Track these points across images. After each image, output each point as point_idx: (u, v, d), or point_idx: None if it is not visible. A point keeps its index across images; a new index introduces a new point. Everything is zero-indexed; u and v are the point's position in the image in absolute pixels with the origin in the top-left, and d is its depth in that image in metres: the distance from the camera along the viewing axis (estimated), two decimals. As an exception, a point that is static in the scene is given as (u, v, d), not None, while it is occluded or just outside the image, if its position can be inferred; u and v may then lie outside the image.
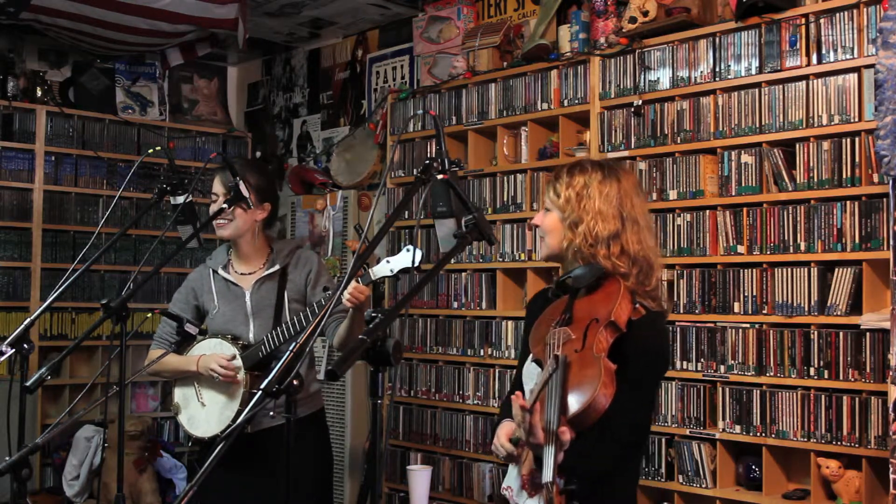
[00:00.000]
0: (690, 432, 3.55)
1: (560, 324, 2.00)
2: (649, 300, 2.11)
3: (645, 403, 2.13)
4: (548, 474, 1.70)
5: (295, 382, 1.75)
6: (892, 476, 2.80)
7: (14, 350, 2.65)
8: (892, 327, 2.86)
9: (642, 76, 3.82)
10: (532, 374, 2.13)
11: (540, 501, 2.01)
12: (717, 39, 3.61)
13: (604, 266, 2.09)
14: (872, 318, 3.11)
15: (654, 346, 2.10)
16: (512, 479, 2.15)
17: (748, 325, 3.44)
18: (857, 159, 3.23)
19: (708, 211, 3.59)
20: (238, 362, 3.08)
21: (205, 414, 3.19)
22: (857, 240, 3.21)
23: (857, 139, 3.23)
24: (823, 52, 3.34)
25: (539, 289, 4.18)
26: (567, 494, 1.76)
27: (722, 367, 3.49)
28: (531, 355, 2.08)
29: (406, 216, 4.75)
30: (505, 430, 2.11)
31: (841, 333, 3.21)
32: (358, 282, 2.89)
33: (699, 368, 3.55)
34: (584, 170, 2.18)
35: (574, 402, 1.82)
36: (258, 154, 6.18)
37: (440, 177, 2.12)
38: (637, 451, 2.21)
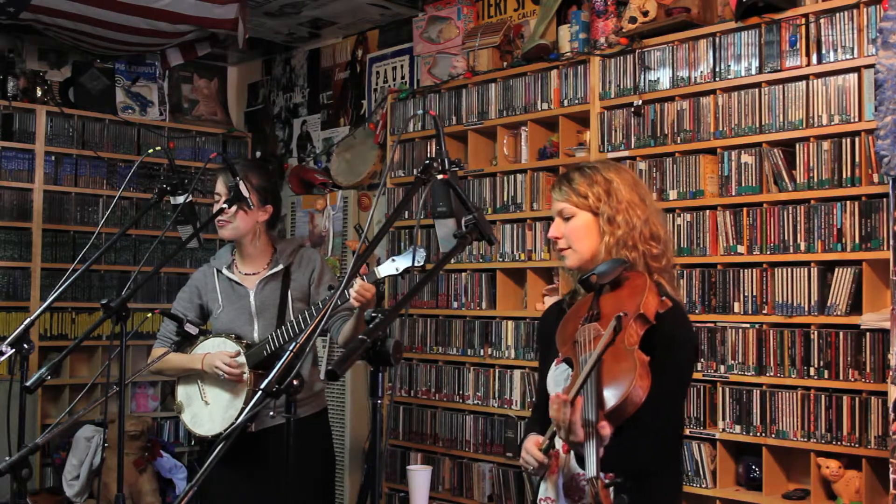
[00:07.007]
0: (690, 432, 3.55)
1: (588, 320, 1.99)
2: (671, 288, 2.12)
3: (680, 394, 2.14)
4: (591, 469, 1.68)
5: (295, 382, 1.75)
6: (892, 476, 2.80)
7: (14, 350, 2.65)
8: (892, 327, 2.86)
9: (642, 76, 3.82)
10: (560, 379, 2.12)
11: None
12: (717, 39, 3.61)
13: (631, 257, 2.10)
14: (872, 318, 3.11)
15: (685, 337, 2.10)
16: (549, 490, 2.11)
17: (748, 325, 3.44)
18: (857, 159, 3.23)
19: (708, 211, 3.59)
20: (242, 360, 3.09)
21: (208, 412, 3.19)
22: (857, 240, 3.21)
23: (857, 139, 3.23)
24: (823, 52, 3.34)
25: (538, 288, 4.23)
26: (614, 488, 1.75)
27: (722, 367, 3.49)
28: (559, 357, 2.07)
29: (406, 216, 4.74)
30: (533, 441, 2.07)
31: (841, 333, 3.21)
32: (362, 279, 2.89)
33: (699, 368, 3.54)
34: (594, 168, 2.20)
35: (611, 397, 1.80)
36: (258, 154, 6.18)
37: (440, 177, 2.11)
38: (678, 442, 2.20)
